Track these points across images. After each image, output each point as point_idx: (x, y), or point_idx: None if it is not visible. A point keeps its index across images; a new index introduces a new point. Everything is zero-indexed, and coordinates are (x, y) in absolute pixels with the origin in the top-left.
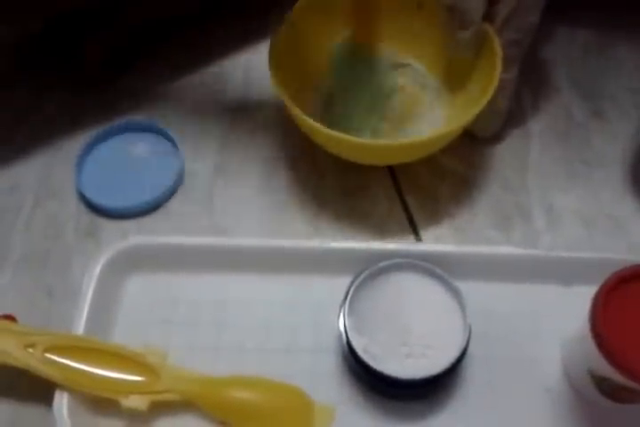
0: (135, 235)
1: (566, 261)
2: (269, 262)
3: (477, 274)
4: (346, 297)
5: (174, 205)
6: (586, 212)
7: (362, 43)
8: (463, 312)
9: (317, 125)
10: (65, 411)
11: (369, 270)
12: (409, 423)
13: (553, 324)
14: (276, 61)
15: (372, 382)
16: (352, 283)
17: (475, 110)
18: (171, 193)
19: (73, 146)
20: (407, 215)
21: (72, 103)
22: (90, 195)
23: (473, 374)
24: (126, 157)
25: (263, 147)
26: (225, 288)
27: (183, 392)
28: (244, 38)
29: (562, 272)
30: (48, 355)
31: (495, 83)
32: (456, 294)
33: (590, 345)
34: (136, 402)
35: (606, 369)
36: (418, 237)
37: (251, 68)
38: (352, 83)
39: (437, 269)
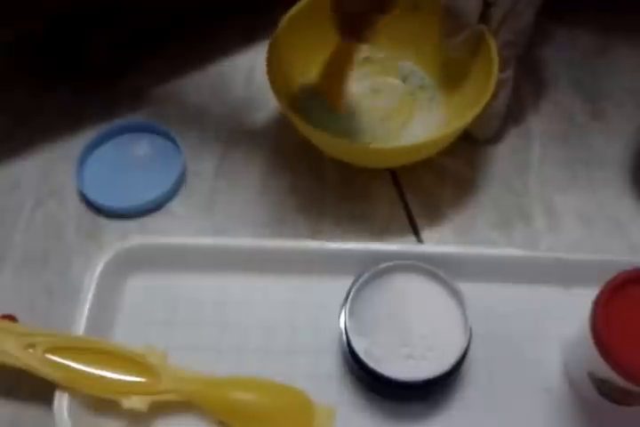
0: (136, 235)
1: (567, 263)
2: (270, 263)
3: (478, 275)
4: (347, 298)
5: (175, 205)
6: (586, 213)
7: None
8: (464, 314)
9: (312, 129)
10: (65, 411)
11: (370, 272)
12: (409, 425)
13: (553, 325)
14: (274, 67)
15: (373, 384)
16: (353, 284)
17: (473, 112)
18: (172, 193)
19: (74, 146)
20: (408, 217)
21: (73, 103)
22: (91, 195)
23: (473, 375)
24: (128, 157)
25: (265, 147)
26: (226, 289)
27: (184, 393)
28: (246, 38)
29: (563, 274)
30: (48, 355)
31: (493, 85)
32: (457, 295)
33: (591, 347)
34: (136, 403)
35: (606, 371)
36: (419, 239)
37: (253, 68)
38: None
39: (438, 270)
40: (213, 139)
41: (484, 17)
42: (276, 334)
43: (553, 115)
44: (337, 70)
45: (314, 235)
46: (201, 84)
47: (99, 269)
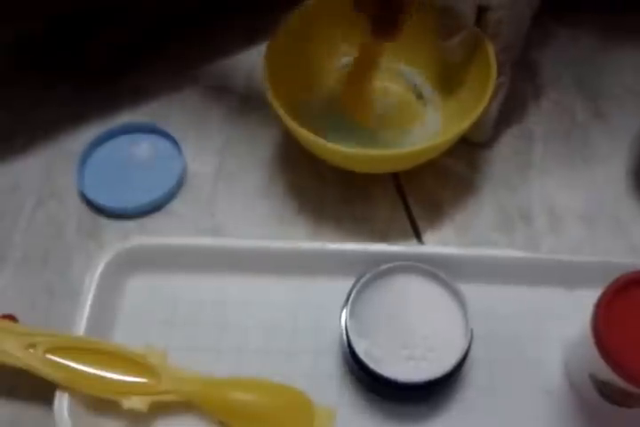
0: (136, 235)
1: (568, 265)
2: (271, 264)
3: (479, 277)
4: (347, 299)
5: (176, 205)
6: (588, 213)
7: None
8: (465, 315)
9: (309, 136)
10: (65, 411)
11: (371, 273)
12: (409, 426)
13: (555, 327)
14: (272, 72)
15: (373, 385)
16: (354, 285)
17: (472, 117)
18: (172, 194)
19: (75, 146)
20: (409, 218)
21: (73, 103)
22: (91, 195)
23: (474, 376)
24: (128, 157)
25: (265, 148)
26: (226, 289)
27: (184, 393)
28: (246, 38)
29: (564, 275)
30: (49, 355)
31: (491, 89)
32: (458, 296)
33: (592, 349)
34: (136, 403)
35: (608, 373)
36: (420, 240)
37: (253, 68)
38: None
39: (439, 271)
40: (214, 139)
41: (480, 22)
42: (276, 335)
43: (554, 115)
44: (361, 78)
45: (314, 236)
46: (201, 83)
47: (99, 269)
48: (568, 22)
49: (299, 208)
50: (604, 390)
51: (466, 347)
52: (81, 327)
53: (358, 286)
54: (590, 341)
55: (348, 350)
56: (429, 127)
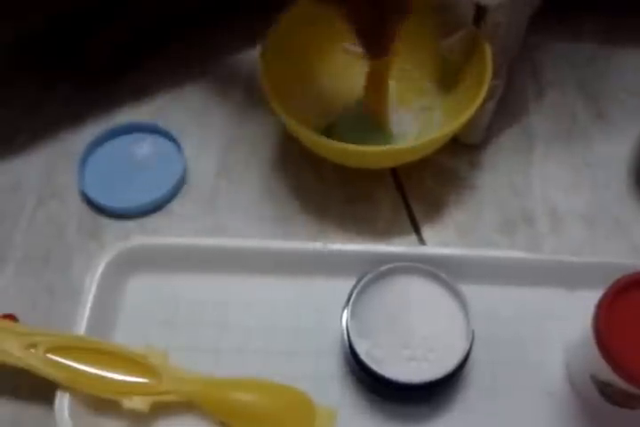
0: (137, 235)
1: (570, 266)
2: (272, 264)
3: (481, 278)
4: (349, 300)
5: (177, 205)
6: (589, 214)
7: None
8: (466, 316)
9: (304, 131)
10: (66, 411)
11: (372, 273)
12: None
13: (556, 328)
14: (268, 70)
15: (374, 386)
16: (355, 286)
17: (466, 115)
18: (173, 194)
19: (75, 145)
20: (411, 219)
21: (74, 102)
22: (92, 195)
23: (475, 377)
24: (129, 157)
25: (266, 148)
26: (227, 289)
27: (185, 394)
28: (247, 38)
29: (565, 276)
30: (50, 355)
31: (485, 90)
32: (459, 297)
33: (593, 350)
34: (137, 403)
35: (609, 375)
36: (421, 241)
37: (254, 67)
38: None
39: (441, 272)
40: (214, 139)
41: (479, 23)
42: (277, 335)
43: (555, 115)
44: (378, 89)
45: (316, 236)
46: (202, 83)
47: (100, 269)
48: (569, 23)
49: (300, 208)
50: (606, 391)
51: (467, 348)
52: (82, 327)
53: (359, 286)
54: (592, 342)
55: (349, 350)
56: (427, 124)
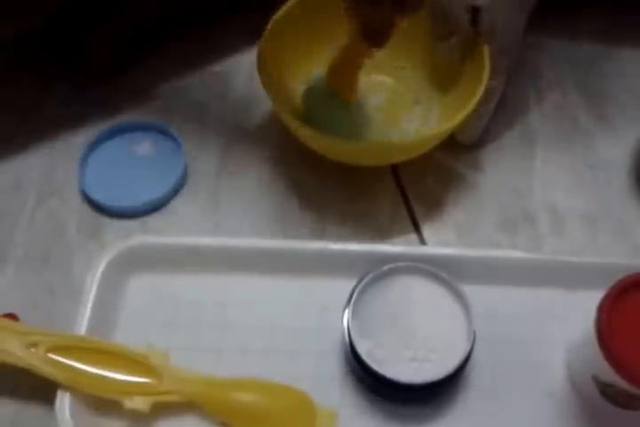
0: (138, 234)
1: (571, 266)
2: (273, 264)
3: (482, 278)
4: (350, 300)
5: (177, 204)
6: (590, 215)
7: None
8: (468, 316)
9: (300, 126)
10: (67, 411)
11: (373, 273)
12: None
13: (557, 328)
14: (266, 67)
15: (376, 386)
16: (356, 286)
17: (461, 114)
18: (174, 193)
19: (76, 144)
20: (411, 218)
21: (74, 101)
22: (93, 194)
23: (476, 377)
24: (130, 156)
25: (266, 147)
26: (228, 289)
27: (186, 394)
28: (247, 37)
29: (567, 276)
30: (50, 355)
31: (481, 90)
32: (460, 297)
33: (595, 351)
34: (138, 403)
35: (611, 375)
36: (422, 241)
37: (254, 66)
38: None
39: (442, 272)
40: (215, 138)
41: (476, 24)
42: (278, 335)
43: (556, 116)
44: (352, 72)
45: (316, 234)
46: (202, 82)
47: (100, 268)
48: (569, 24)
49: (300, 207)
50: (607, 391)
51: (468, 348)
52: (82, 327)
53: (361, 286)
54: (593, 342)
55: (350, 350)
56: (425, 123)
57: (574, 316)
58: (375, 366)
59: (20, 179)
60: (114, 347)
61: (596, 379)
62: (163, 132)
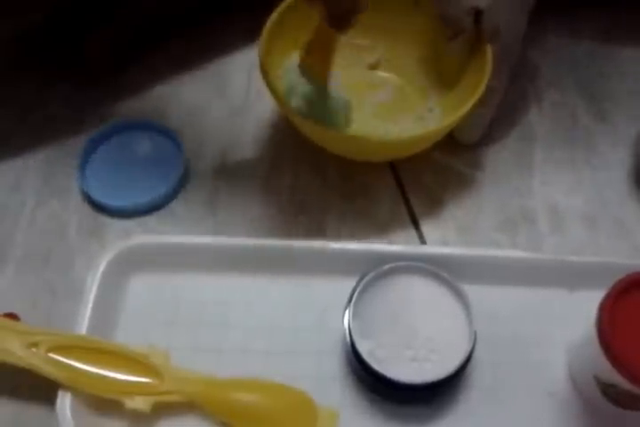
0: (138, 234)
1: (572, 265)
2: (273, 264)
3: (482, 277)
4: (350, 299)
5: (178, 204)
6: (591, 214)
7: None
8: (468, 316)
9: (303, 121)
10: (68, 411)
11: (374, 273)
12: None
13: (558, 328)
14: (267, 61)
15: (376, 386)
16: (357, 285)
17: (461, 112)
18: (174, 193)
19: (76, 144)
20: (411, 217)
21: (74, 101)
22: (93, 194)
23: (477, 377)
24: (130, 156)
25: (266, 146)
26: (228, 289)
27: (186, 394)
28: (247, 36)
29: (567, 276)
30: (51, 355)
31: (482, 88)
32: (461, 297)
33: (596, 351)
34: (139, 403)
35: (613, 376)
36: (422, 240)
37: (254, 66)
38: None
39: (442, 272)
40: (214, 137)
41: (477, 25)
42: (278, 335)
43: (556, 116)
44: (325, 58)
45: (316, 233)
46: (202, 82)
47: (101, 268)
48: (569, 24)
49: (300, 206)
50: (609, 392)
51: (469, 348)
52: (83, 327)
53: (361, 285)
54: (594, 342)
55: (351, 350)
56: (426, 119)
57: (574, 316)
58: (376, 366)
59: (20, 179)
60: (114, 347)
61: (597, 379)
62: (163, 131)
